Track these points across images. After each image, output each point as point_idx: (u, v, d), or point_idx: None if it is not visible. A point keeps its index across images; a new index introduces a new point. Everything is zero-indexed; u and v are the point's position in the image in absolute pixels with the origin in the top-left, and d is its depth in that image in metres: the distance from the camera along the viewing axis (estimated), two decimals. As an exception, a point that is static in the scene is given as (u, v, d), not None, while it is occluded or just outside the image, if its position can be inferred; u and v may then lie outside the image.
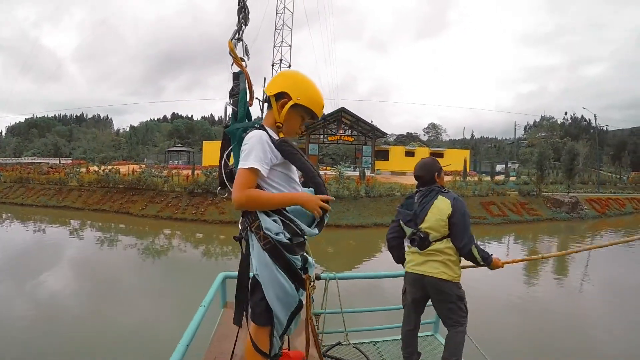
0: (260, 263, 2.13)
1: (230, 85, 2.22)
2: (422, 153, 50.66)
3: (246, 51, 2.23)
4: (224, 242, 16.83)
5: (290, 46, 51.36)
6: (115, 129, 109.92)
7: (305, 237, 2.27)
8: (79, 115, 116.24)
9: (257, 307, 2.24)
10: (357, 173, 30.05)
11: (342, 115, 44.76)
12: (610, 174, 51.82)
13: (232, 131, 2.19)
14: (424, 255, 3.38)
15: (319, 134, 46.62)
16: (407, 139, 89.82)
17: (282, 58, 50.94)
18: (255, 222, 2.11)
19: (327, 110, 37.84)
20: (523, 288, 11.53)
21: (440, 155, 49.97)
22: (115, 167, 28.96)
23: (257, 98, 2.29)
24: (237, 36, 2.22)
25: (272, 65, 50.90)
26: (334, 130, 46.60)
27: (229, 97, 2.16)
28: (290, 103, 2.17)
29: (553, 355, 7.25)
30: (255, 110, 2.28)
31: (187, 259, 14.25)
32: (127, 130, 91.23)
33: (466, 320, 3.39)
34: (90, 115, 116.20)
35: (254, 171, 2.04)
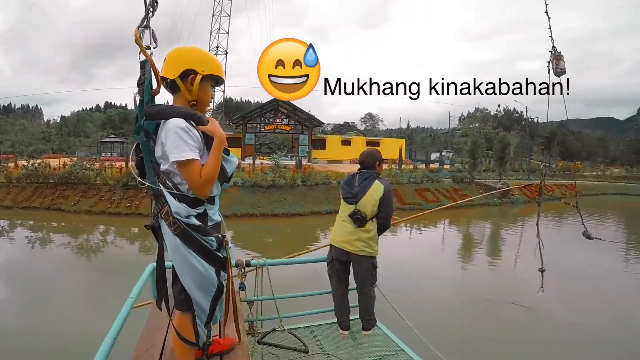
0: (172, 249, 2.13)
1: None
2: (359, 142, 51.33)
3: (154, 38, 2.21)
4: (160, 235, 16.33)
5: (228, 33, 50.89)
6: (46, 119, 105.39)
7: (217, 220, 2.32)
8: (6, 105, 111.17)
9: (179, 295, 2.24)
10: (293, 162, 30.06)
11: (279, 105, 44.46)
12: (539, 163, 53.99)
13: (147, 125, 2.15)
14: (353, 234, 4.05)
15: (255, 123, 46.38)
16: (344, 129, 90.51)
17: (219, 45, 50.42)
18: (164, 208, 2.11)
19: (264, 99, 37.83)
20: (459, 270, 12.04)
21: (377, 144, 50.74)
22: (45, 160, 27.75)
23: (164, 78, 2.25)
24: (144, 23, 2.19)
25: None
26: (270, 120, 46.51)
27: (137, 86, 2.11)
28: (199, 77, 2.19)
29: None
30: (163, 98, 2.26)
31: (124, 255, 13.86)
32: (58, 121, 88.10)
33: (375, 285, 4.21)
34: (18, 106, 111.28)
35: (193, 161, 2.04)
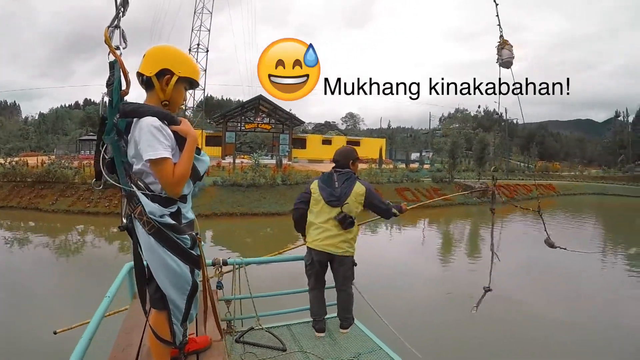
0: (147, 248, 2.16)
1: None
2: (339, 142, 51.41)
3: (123, 38, 2.20)
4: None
5: (209, 30, 50.59)
6: (24, 116, 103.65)
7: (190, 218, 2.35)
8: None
9: (155, 294, 2.27)
10: (274, 161, 30.07)
11: (260, 103, 44.45)
12: (519, 163, 54.77)
13: (118, 123, 2.13)
14: (338, 236, 4.01)
15: (236, 121, 46.29)
16: (325, 128, 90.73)
17: (200, 42, 50.14)
18: (137, 208, 2.13)
19: (245, 97, 37.80)
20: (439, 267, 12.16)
21: (357, 143, 51.19)
22: (22, 159, 27.30)
23: (141, 74, 2.28)
24: (114, 23, 2.18)
25: (190, 50, 49.83)
26: (251, 118, 46.43)
27: (106, 86, 2.10)
28: (175, 78, 2.23)
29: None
30: (132, 98, 2.25)
31: (103, 255, 13.75)
32: (36, 117, 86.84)
33: (352, 283, 4.26)
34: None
35: (166, 159, 2.07)
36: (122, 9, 2.24)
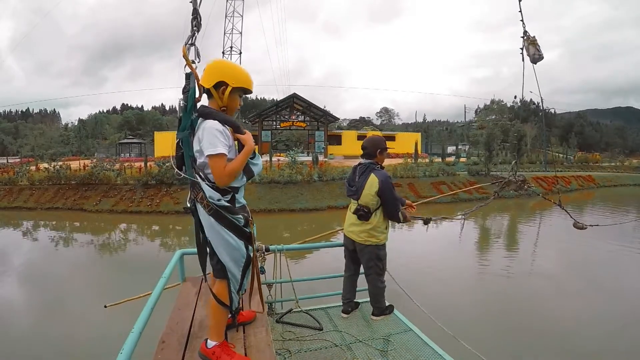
0: (208, 227, 2.56)
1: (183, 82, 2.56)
2: (375, 137, 51.16)
3: (197, 54, 2.60)
4: (180, 232, 16.94)
5: (241, 33, 51.26)
6: (64, 123, 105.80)
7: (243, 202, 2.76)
8: (24, 110, 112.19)
9: (216, 265, 2.64)
10: (310, 158, 30.26)
11: (294, 101, 44.66)
12: (557, 154, 53.73)
13: (191, 121, 2.57)
14: (357, 225, 4.18)
15: (271, 120, 46.61)
16: (360, 124, 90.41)
17: (233, 45, 50.82)
18: (199, 193, 2.53)
19: (279, 96, 38.04)
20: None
21: (392, 138, 50.80)
22: (65, 163, 27.99)
23: (201, 85, 2.63)
24: (190, 42, 2.59)
25: (223, 53, 50.74)
26: (286, 117, 46.61)
27: (182, 93, 2.52)
28: (229, 89, 2.60)
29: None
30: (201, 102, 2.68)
31: (145, 253, 14.22)
32: (76, 124, 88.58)
33: (383, 275, 4.28)
34: (36, 110, 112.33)
35: (223, 155, 2.46)
36: (196, 30, 2.66)
